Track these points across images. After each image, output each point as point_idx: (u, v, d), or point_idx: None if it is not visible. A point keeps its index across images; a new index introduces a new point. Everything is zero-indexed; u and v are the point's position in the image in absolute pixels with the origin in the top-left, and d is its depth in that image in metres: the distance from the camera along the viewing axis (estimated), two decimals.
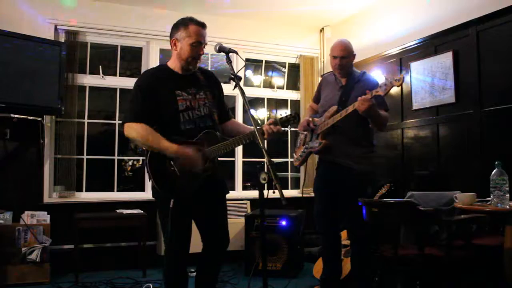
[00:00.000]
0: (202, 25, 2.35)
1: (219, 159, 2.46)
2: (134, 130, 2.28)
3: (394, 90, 4.42)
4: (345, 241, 3.51)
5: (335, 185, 3.06)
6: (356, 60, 4.86)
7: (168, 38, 5.19)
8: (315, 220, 3.24)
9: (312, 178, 5.19)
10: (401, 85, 2.72)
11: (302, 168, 5.36)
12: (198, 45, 2.33)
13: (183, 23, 2.36)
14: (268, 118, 5.89)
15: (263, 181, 1.98)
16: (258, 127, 2.14)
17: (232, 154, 5.21)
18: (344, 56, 3.05)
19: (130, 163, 5.88)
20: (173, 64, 2.44)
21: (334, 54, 3.09)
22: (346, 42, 3.13)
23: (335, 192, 3.07)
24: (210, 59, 5.22)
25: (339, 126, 2.94)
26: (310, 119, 3.13)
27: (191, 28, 2.33)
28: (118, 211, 4.39)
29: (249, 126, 2.46)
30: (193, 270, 3.61)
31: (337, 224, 3.17)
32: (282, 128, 2.26)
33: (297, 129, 3.40)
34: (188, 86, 2.39)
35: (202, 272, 2.54)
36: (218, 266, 2.57)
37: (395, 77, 2.68)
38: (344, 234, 3.51)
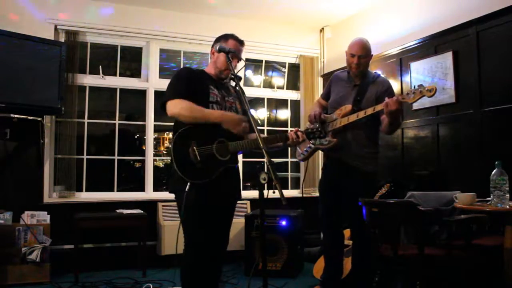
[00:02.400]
0: (241, 42, 2.59)
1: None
2: (178, 105, 2.37)
3: (394, 90, 4.42)
4: (346, 241, 3.51)
5: (341, 185, 3.04)
6: None
7: (168, 38, 5.22)
8: (319, 219, 3.22)
9: (312, 178, 5.22)
10: (432, 96, 2.60)
11: (302, 168, 5.38)
12: (232, 58, 2.47)
13: (224, 37, 2.58)
14: (268, 118, 5.90)
15: (263, 181, 1.98)
16: (258, 127, 2.17)
17: None
18: (363, 55, 3.00)
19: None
20: (210, 70, 2.59)
21: (353, 52, 3.02)
22: (366, 41, 3.08)
23: (340, 191, 3.04)
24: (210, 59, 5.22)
25: (350, 126, 2.91)
26: (320, 112, 3.10)
27: (229, 41, 2.54)
28: (118, 211, 4.38)
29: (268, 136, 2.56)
30: None
31: (341, 223, 3.16)
32: (309, 145, 2.39)
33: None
34: (220, 88, 2.54)
35: None
36: (220, 267, 2.59)
37: (426, 87, 2.59)
38: (346, 233, 3.51)
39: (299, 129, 2.41)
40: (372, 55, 3.11)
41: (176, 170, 2.32)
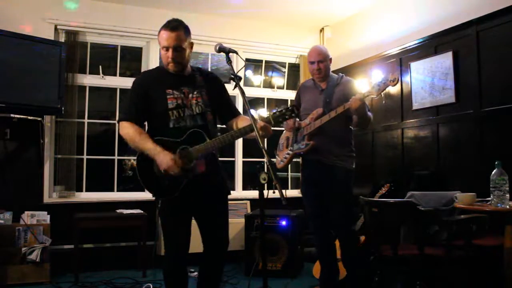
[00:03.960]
0: (171, 28, 2.31)
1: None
2: (124, 129, 2.34)
3: (394, 90, 4.42)
4: None
5: (322, 184, 3.13)
6: (356, 60, 4.95)
7: None
8: (307, 221, 3.30)
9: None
10: (395, 85, 2.82)
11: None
12: (166, 50, 2.34)
13: (160, 29, 2.36)
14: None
15: (263, 181, 1.98)
16: (257, 126, 2.13)
17: (232, 154, 5.21)
18: (321, 60, 3.15)
19: (130, 163, 5.88)
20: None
21: (311, 60, 3.18)
22: (321, 47, 3.27)
23: (322, 191, 3.14)
24: (210, 59, 5.23)
25: (324, 127, 3.03)
26: (295, 119, 3.21)
27: (160, 34, 2.35)
28: (118, 211, 4.39)
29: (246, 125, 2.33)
30: (192, 270, 3.63)
31: (329, 223, 3.19)
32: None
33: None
34: (181, 85, 2.40)
35: (204, 273, 2.54)
36: (219, 267, 2.55)
37: (389, 77, 2.77)
38: None
39: (265, 119, 2.22)
40: (331, 58, 3.24)
41: (145, 189, 2.34)
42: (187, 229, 2.41)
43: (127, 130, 2.31)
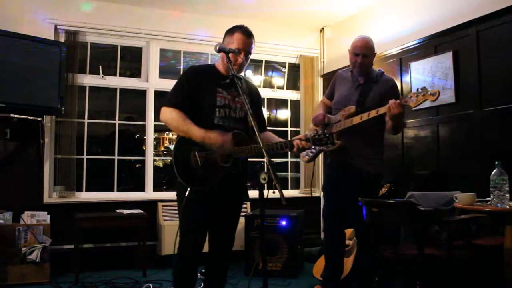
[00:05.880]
0: (248, 34, 2.42)
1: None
2: (168, 114, 2.38)
3: None
4: (346, 241, 3.51)
5: (345, 185, 3.03)
6: None
7: (168, 38, 5.20)
8: (324, 219, 3.22)
9: (312, 178, 5.21)
10: (435, 100, 2.57)
11: (302, 168, 5.38)
12: (238, 52, 2.39)
13: (231, 30, 2.46)
14: (268, 118, 5.89)
15: (263, 181, 1.98)
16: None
17: None
18: (366, 54, 2.97)
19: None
20: (220, 65, 2.52)
21: (357, 51, 2.98)
22: (369, 40, 3.04)
23: (344, 192, 3.04)
24: (210, 59, 5.23)
25: (354, 125, 2.88)
26: (325, 114, 3.09)
27: (235, 35, 2.42)
28: (118, 211, 4.38)
29: (280, 138, 2.46)
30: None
31: (344, 223, 3.16)
32: (313, 146, 2.26)
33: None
34: (230, 87, 2.46)
35: (210, 273, 2.57)
36: (225, 267, 2.58)
37: (429, 91, 2.55)
38: (347, 233, 3.51)
39: (306, 135, 2.25)
40: (376, 53, 3.08)
41: (176, 175, 2.34)
42: (206, 228, 2.44)
43: (171, 114, 2.36)
